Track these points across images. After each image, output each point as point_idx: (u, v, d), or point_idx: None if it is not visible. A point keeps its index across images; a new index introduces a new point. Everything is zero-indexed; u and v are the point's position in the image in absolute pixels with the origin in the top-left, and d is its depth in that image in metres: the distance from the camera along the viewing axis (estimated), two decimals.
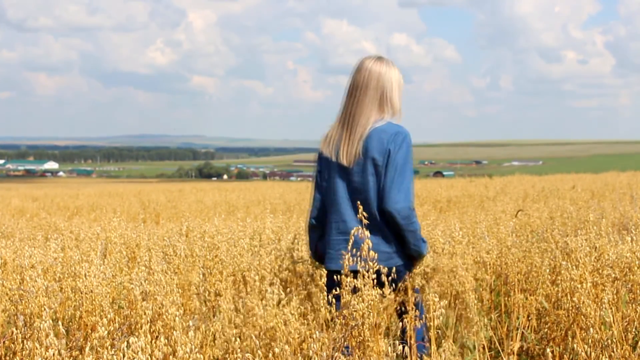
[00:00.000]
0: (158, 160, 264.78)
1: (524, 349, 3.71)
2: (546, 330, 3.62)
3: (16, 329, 2.76)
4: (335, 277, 2.96)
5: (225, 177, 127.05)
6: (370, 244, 2.80)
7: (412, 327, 3.07)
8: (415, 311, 3.08)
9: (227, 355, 3.06)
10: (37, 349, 2.57)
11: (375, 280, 2.77)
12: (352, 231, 2.86)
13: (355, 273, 2.83)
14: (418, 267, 3.33)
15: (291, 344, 2.91)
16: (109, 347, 2.60)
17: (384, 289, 2.89)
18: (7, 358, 2.81)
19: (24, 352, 2.65)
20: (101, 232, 5.30)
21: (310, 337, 2.73)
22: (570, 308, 3.28)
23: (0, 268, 3.74)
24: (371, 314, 2.74)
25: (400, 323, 3.14)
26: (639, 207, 8.14)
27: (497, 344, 3.72)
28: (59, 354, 2.56)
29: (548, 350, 3.14)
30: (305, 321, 3.04)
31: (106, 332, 2.69)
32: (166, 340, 2.56)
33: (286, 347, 2.72)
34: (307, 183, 30.80)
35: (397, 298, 3.18)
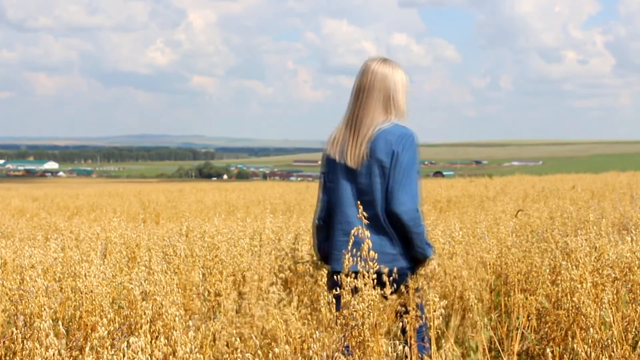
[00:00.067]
0: (158, 160, 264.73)
1: (524, 348, 3.71)
2: (546, 330, 3.62)
3: (16, 329, 2.76)
4: (334, 276, 2.96)
5: (225, 177, 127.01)
6: (370, 244, 2.80)
7: (412, 327, 3.07)
8: (416, 311, 3.08)
9: (227, 356, 3.06)
10: (37, 349, 2.57)
11: (375, 281, 2.77)
12: (352, 231, 2.86)
13: (357, 274, 2.83)
14: (422, 269, 3.32)
15: (291, 344, 2.91)
16: (109, 347, 2.60)
17: (385, 289, 2.88)
18: (7, 358, 2.81)
19: (24, 352, 2.65)
20: (101, 232, 5.30)
21: (311, 337, 2.73)
22: (570, 308, 3.28)
23: (0, 268, 3.74)
24: (371, 314, 2.74)
25: (400, 323, 3.14)
26: (639, 207, 8.14)
27: (497, 344, 3.71)
28: (59, 354, 2.56)
29: (548, 350, 3.14)
30: (305, 321, 3.04)
31: (106, 332, 2.69)
32: (166, 340, 2.56)
33: (286, 347, 2.72)
34: (307, 183, 30.79)
35: (399, 299, 3.18)
